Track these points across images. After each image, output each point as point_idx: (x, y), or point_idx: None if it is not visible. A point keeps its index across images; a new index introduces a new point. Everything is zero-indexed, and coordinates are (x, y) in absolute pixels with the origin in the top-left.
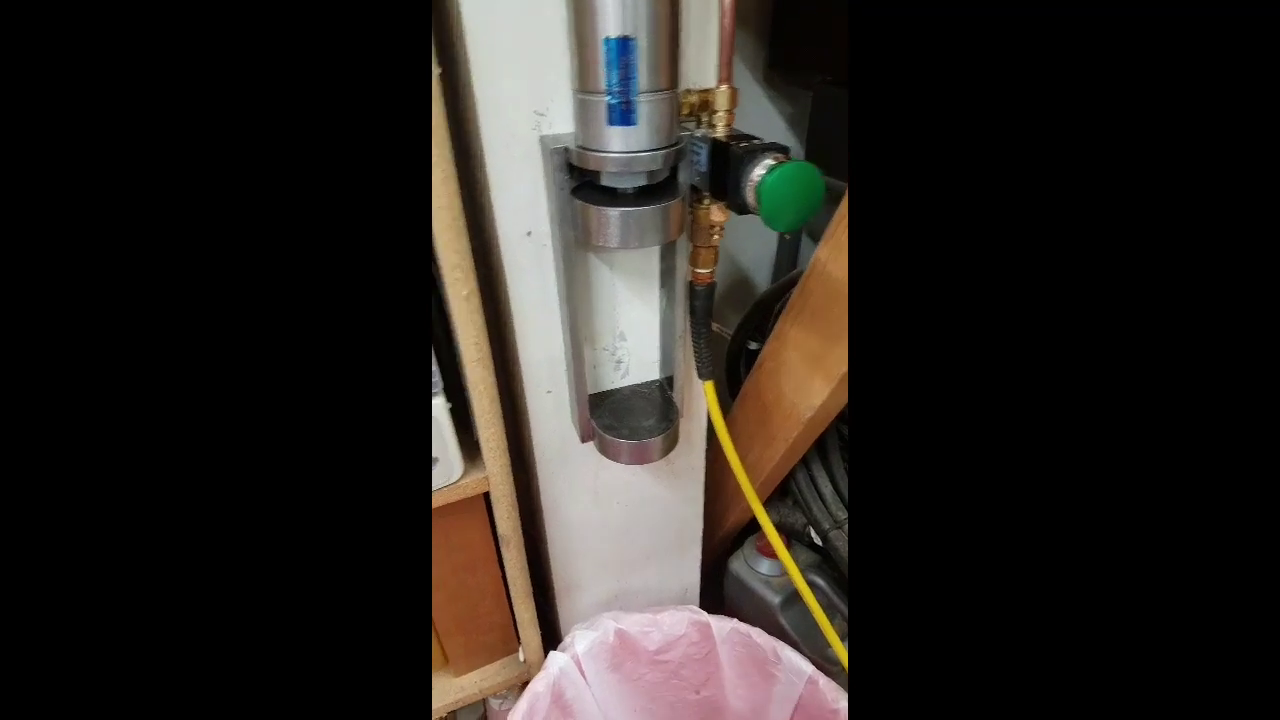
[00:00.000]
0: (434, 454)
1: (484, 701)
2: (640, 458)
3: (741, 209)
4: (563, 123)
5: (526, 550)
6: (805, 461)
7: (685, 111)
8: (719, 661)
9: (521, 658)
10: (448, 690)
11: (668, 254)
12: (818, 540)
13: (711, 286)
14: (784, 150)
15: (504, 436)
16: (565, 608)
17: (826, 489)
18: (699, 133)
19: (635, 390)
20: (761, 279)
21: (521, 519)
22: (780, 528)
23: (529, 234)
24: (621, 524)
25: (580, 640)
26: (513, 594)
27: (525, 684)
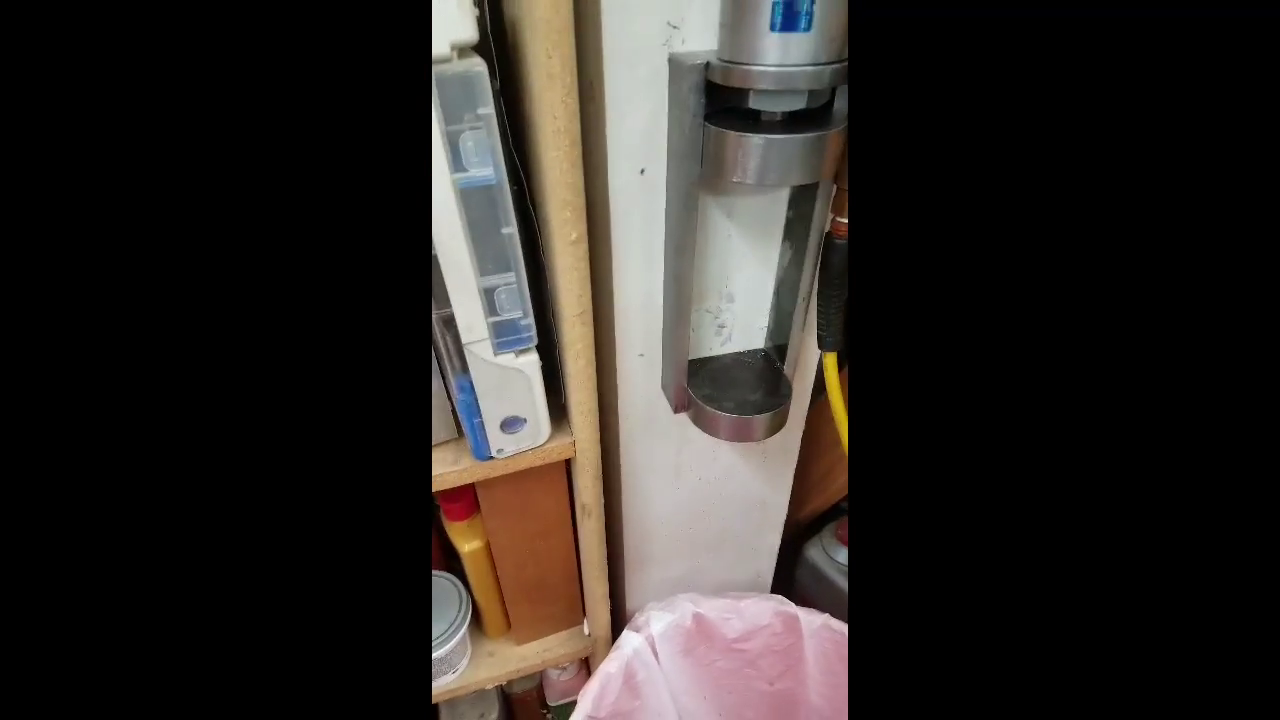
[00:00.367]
0: (521, 414)
1: (542, 670)
2: (743, 434)
3: None
4: (698, 39)
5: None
6: None
7: None
8: (803, 655)
9: (587, 631)
10: (508, 659)
11: (802, 199)
12: None
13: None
14: None
15: (595, 401)
16: (634, 583)
17: None
18: None
19: (738, 358)
20: None
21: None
22: None
23: (643, 172)
24: (701, 503)
25: (656, 621)
26: (585, 566)
27: (587, 658)
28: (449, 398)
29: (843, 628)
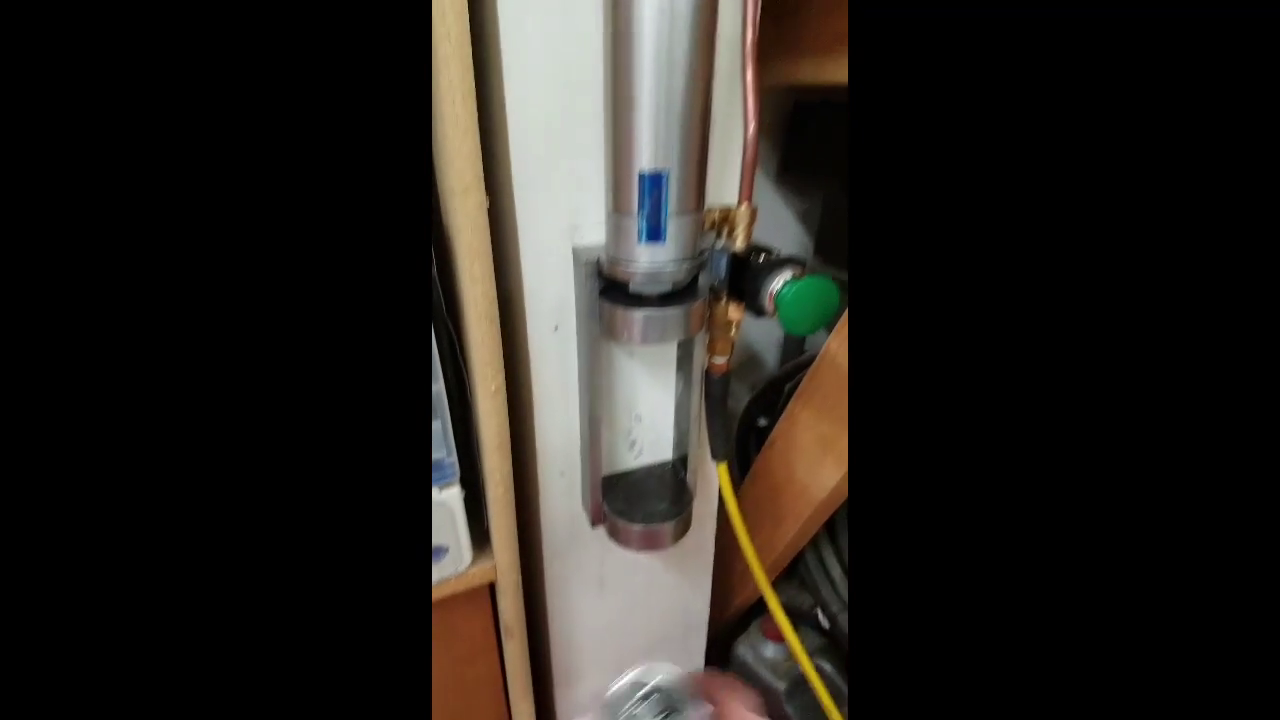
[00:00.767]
0: (444, 543)
1: None
2: (652, 544)
3: (760, 313)
4: (593, 234)
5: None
6: (815, 542)
7: (708, 225)
8: None
9: None
10: None
11: (686, 344)
12: (825, 623)
13: (727, 375)
14: (801, 263)
15: (515, 525)
16: (563, 699)
17: (836, 570)
18: (720, 244)
19: (649, 471)
20: (770, 354)
21: (524, 607)
22: (787, 610)
23: (556, 328)
24: (626, 611)
25: None
26: (511, 688)
27: None
28: None
29: None
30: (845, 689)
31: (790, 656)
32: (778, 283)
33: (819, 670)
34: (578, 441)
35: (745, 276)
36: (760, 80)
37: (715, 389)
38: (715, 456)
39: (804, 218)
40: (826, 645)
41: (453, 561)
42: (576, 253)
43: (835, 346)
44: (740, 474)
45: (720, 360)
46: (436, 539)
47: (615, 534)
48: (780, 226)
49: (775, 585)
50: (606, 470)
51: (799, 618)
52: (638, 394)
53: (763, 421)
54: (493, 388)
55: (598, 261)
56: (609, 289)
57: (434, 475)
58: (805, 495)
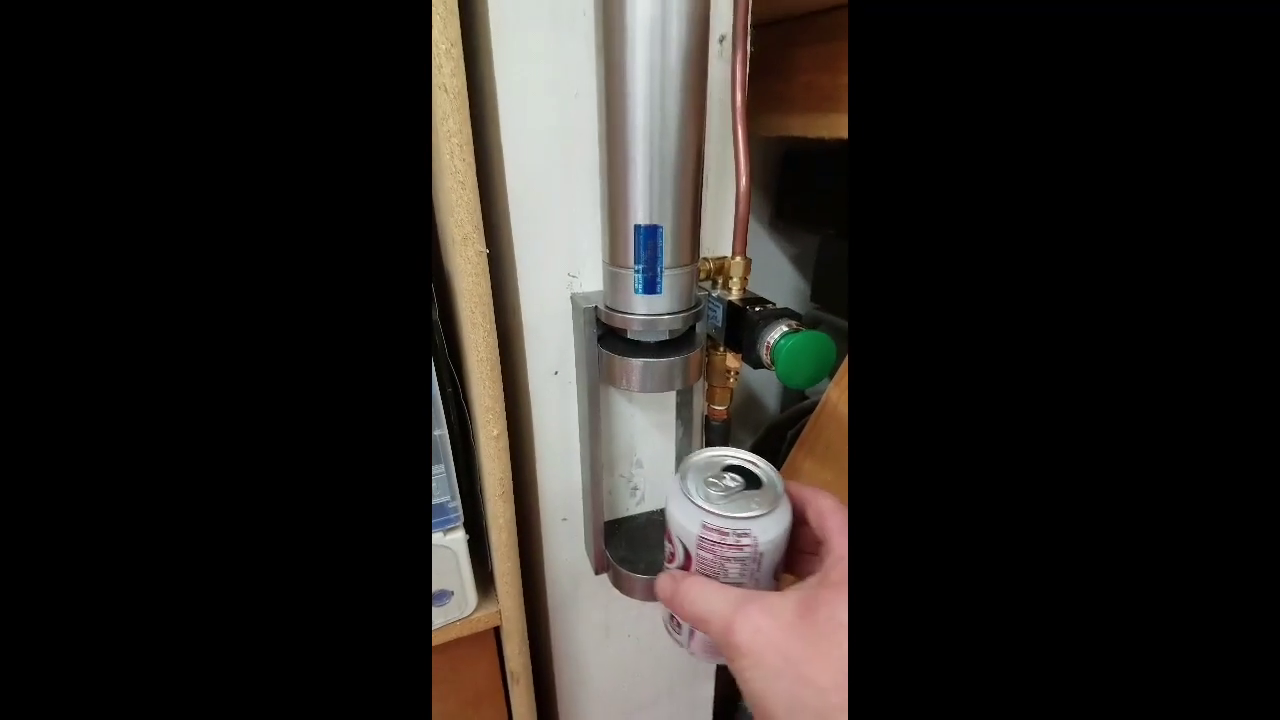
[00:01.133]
0: (449, 587)
1: None
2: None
3: (756, 364)
4: (591, 282)
5: (533, 687)
6: None
7: (702, 276)
8: None
9: None
10: None
11: (685, 390)
12: None
13: (727, 422)
14: (797, 316)
15: (519, 570)
16: None
17: None
18: (715, 293)
19: (650, 517)
20: (771, 397)
21: (530, 653)
22: None
23: (556, 373)
24: (632, 658)
25: None
26: None
27: None
28: None
29: None
30: None
31: None
32: (774, 335)
33: None
34: (579, 487)
35: (742, 327)
36: (751, 135)
37: (715, 436)
38: None
39: (799, 263)
40: None
41: (458, 606)
42: (575, 300)
43: (836, 396)
44: None
45: (719, 408)
46: (441, 583)
47: (619, 583)
48: (776, 273)
49: None
50: (608, 516)
51: None
52: (638, 440)
53: None
54: (495, 433)
55: (595, 309)
56: (607, 336)
57: (438, 520)
58: None
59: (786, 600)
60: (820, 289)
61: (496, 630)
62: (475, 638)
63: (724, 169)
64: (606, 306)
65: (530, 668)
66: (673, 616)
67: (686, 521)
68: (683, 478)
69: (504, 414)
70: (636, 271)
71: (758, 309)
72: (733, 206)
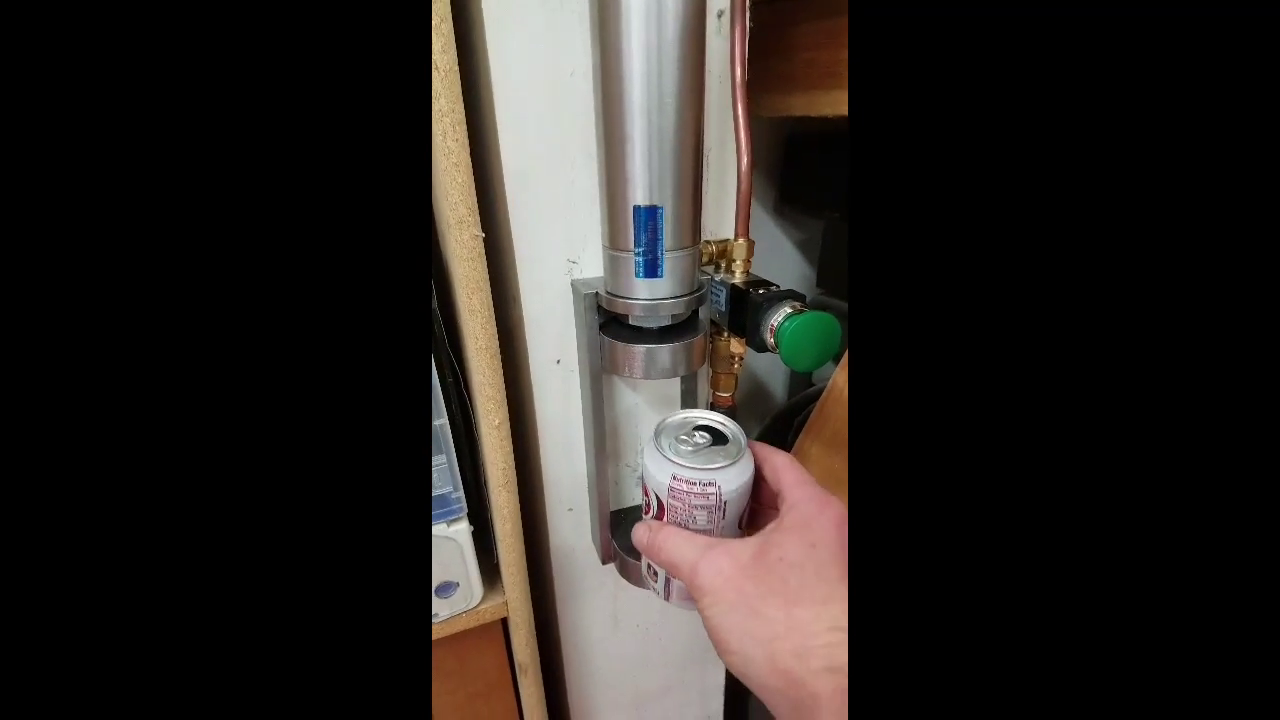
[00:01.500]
0: (454, 579)
1: None
2: None
3: (761, 348)
4: (592, 268)
5: (542, 677)
6: None
7: (705, 260)
8: None
9: None
10: None
11: (689, 379)
12: None
13: (733, 409)
14: (800, 298)
15: (524, 561)
16: None
17: None
18: (718, 277)
19: None
20: (777, 385)
21: (538, 644)
22: None
23: (558, 362)
24: (641, 647)
25: None
26: None
27: None
28: None
29: None
30: None
31: None
32: (778, 317)
33: None
34: (584, 477)
35: (745, 310)
36: (752, 114)
37: None
38: None
39: (804, 249)
40: None
41: (463, 597)
42: (575, 287)
43: (842, 381)
44: None
45: (724, 394)
46: (446, 575)
47: (626, 573)
48: (781, 258)
49: None
50: (614, 505)
51: None
52: (642, 427)
53: None
54: (496, 422)
55: (596, 295)
56: (609, 323)
57: (442, 511)
58: None
59: (746, 545)
60: (826, 274)
61: (504, 621)
62: (482, 629)
63: (725, 149)
64: (607, 292)
65: (538, 659)
66: (649, 565)
67: (659, 473)
68: (656, 436)
69: (505, 403)
70: (637, 255)
71: (761, 291)
72: (734, 187)
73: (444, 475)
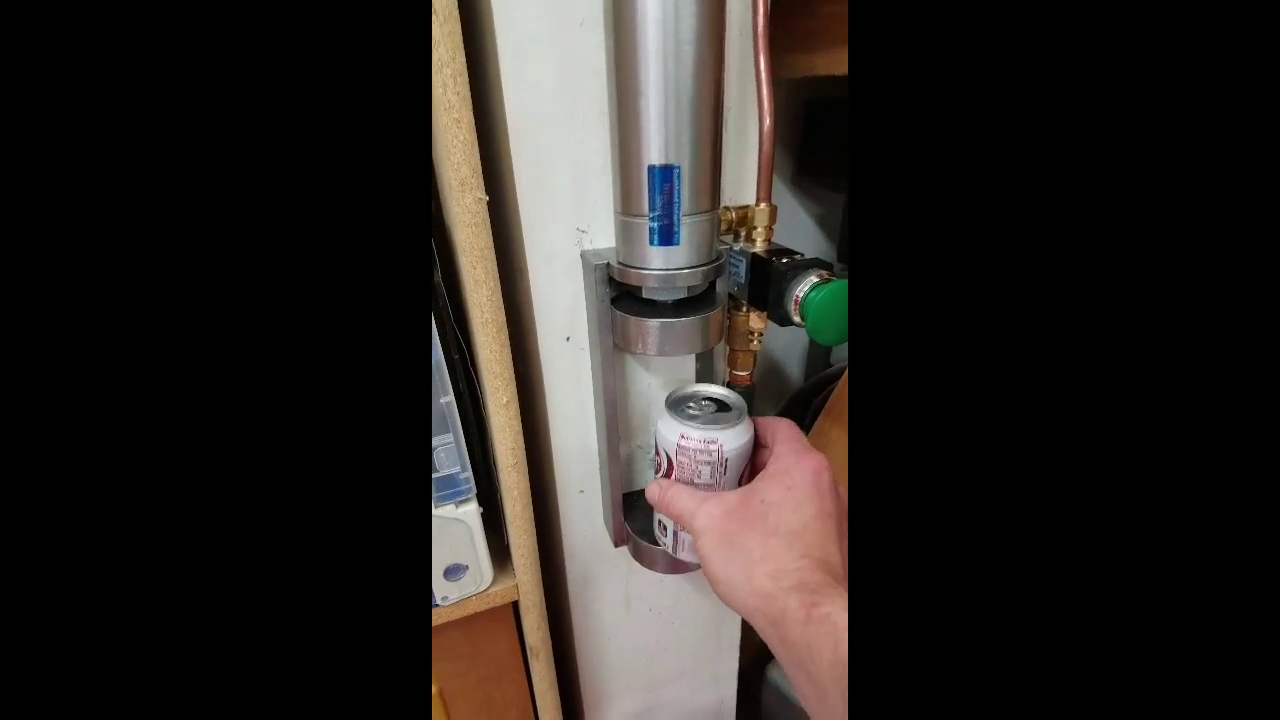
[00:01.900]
0: (463, 561)
1: None
2: (676, 567)
3: (784, 321)
4: (603, 238)
5: (554, 661)
6: None
7: (724, 228)
8: None
9: None
10: None
11: (705, 354)
12: None
13: (750, 389)
14: (827, 266)
15: (535, 543)
16: None
17: None
18: (738, 246)
19: None
20: (794, 365)
21: (550, 627)
22: None
23: (568, 339)
24: (655, 631)
25: None
26: (540, 709)
27: None
28: None
29: None
30: None
31: None
32: (804, 288)
33: None
34: (596, 457)
35: (767, 282)
36: (774, 70)
37: None
38: None
39: (823, 223)
40: None
41: (473, 580)
42: (585, 257)
43: None
44: None
45: (742, 373)
46: (455, 557)
47: (639, 556)
48: (799, 233)
49: None
50: (627, 487)
51: None
52: (655, 408)
53: None
54: (504, 400)
55: (607, 266)
56: (621, 297)
57: (450, 492)
58: None
59: (735, 493)
60: (847, 249)
61: (515, 604)
62: (493, 612)
63: (744, 108)
64: (620, 263)
65: (550, 642)
66: (659, 521)
67: (669, 434)
68: (668, 404)
69: (513, 380)
70: (651, 220)
71: (785, 260)
72: (755, 149)
73: (451, 455)
